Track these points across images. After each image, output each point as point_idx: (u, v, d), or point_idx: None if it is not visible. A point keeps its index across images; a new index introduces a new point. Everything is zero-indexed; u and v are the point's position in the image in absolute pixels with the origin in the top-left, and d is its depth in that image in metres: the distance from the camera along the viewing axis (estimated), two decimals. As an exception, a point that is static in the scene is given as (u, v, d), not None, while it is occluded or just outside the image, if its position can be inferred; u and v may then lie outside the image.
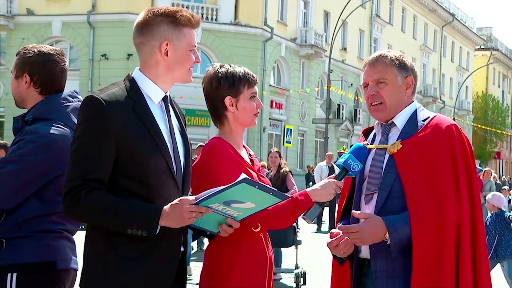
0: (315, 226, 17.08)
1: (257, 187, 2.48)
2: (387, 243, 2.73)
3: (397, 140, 2.88)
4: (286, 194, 2.72)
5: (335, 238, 2.86)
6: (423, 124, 2.88)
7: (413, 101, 2.97)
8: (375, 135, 3.03)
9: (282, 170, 10.81)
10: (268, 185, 2.60)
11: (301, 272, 8.81)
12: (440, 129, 2.83)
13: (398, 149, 2.84)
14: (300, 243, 8.88)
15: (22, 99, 3.13)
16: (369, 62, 2.96)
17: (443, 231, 2.70)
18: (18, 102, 3.17)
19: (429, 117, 2.91)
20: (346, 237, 2.82)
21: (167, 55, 2.65)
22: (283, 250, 9.41)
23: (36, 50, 3.11)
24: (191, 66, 2.70)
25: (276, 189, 2.60)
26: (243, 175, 2.45)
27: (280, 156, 11.27)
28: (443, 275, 2.69)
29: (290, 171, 11.01)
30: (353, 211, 2.87)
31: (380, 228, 2.72)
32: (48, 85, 3.09)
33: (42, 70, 3.08)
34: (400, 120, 2.92)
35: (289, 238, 8.65)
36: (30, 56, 3.09)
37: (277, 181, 10.56)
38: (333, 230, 2.92)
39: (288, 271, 9.18)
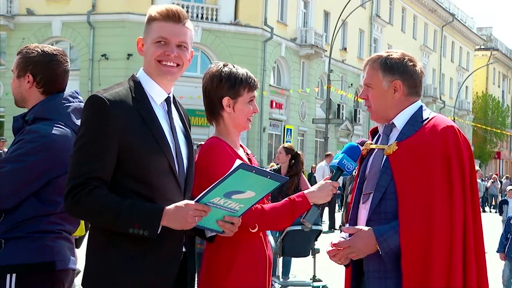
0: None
1: (254, 171, 2.47)
2: (380, 253, 2.76)
3: (394, 141, 2.88)
4: (285, 177, 2.71)
5: (333, 249, 2.89)
6: (421, 126, 2.87)
7: (415, 102, 2.95)
8: (380, 135, 3.04)
9: (295, 170, 8.61)
10: (265, 169, 2.59)
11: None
12: (435, 131, 2.82)
13: (394, 151, 2.85)
14: (318, 252, 7.84)
15: (23, 99, 3.13)
16: (363, 66, 3.02)
17: (432, 236, 2.70)
18: (18, 102, 3.16)
19: (428, 118, 2.90)
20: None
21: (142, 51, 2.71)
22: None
23: (39, 50, 3.10)
24: (154, 57, 2.65)
25: (272, 172, 2.58)
26: (238, 161, 2.45)
27: (288, 153, 8.85)
28: (432, 279, 2.69)
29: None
30: (342, 227, 2.91)
31: (370, 240, 2.76)
32: (51, 85, 3.09)
33: (46, 70, 3.07)
34: (400, 120, 2.92)
35: (309, 246, 7.75)
36: (33, 56, 3.08)
37: (289, 188, 8.17)
38: (332, 240, 2.94)
39: (304, 284, 8.25)
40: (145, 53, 2.68)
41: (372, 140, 3.06)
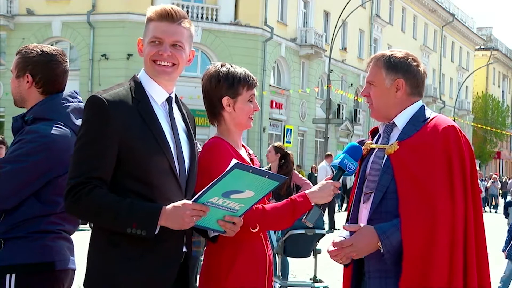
0: (315, 226, 16.99)
1: (250, 171, 2.45)
2: (381, 251, 2.75)
3: (395, 140, 2.89)
4: (283, 176, 2.70)
5: (334, 249, 2.88)
6: (422, 125, 2.88)
7: (416, 101, 2.96)
8: (380, 135, 3.04)
9: (285, 171, 8.44)
10: (263, 168, 2.58)
11: None
12: (436, 131, 2.82)
13: (395, 150, 2.85)
14: (320, 252, 7.71)
15: (23, 99, 3.13)
16: (367, 63, 3.03)
17: (434, 234, 2.70)
18: (18, 102, 3.16)
19: (429, 117, 2.91)
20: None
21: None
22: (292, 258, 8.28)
23: (38, 50, 3.10)
24: (149, 57, 2.66)
25: (270, 172, 2.57)
26: (234, 161, 2.44)
27: (278, 152, 8.81)
28: (433, 277, 2.69)
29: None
30: (343, 225, 2.94)
31: (372, 238, 2.75)
32: (50, 85, 3.09)
33: (45, 70, 3.07)
34: (401, 120, 2.92)
35: (311, 247, 7.67)
36: (32, 56, 3.08)
37: (281, 188, 8.04)
38: (334, 240, 2.93)
39: (305, 285, 8.13)
40: (143, 54, 2.69)
41: (372, 140, 3.06)
